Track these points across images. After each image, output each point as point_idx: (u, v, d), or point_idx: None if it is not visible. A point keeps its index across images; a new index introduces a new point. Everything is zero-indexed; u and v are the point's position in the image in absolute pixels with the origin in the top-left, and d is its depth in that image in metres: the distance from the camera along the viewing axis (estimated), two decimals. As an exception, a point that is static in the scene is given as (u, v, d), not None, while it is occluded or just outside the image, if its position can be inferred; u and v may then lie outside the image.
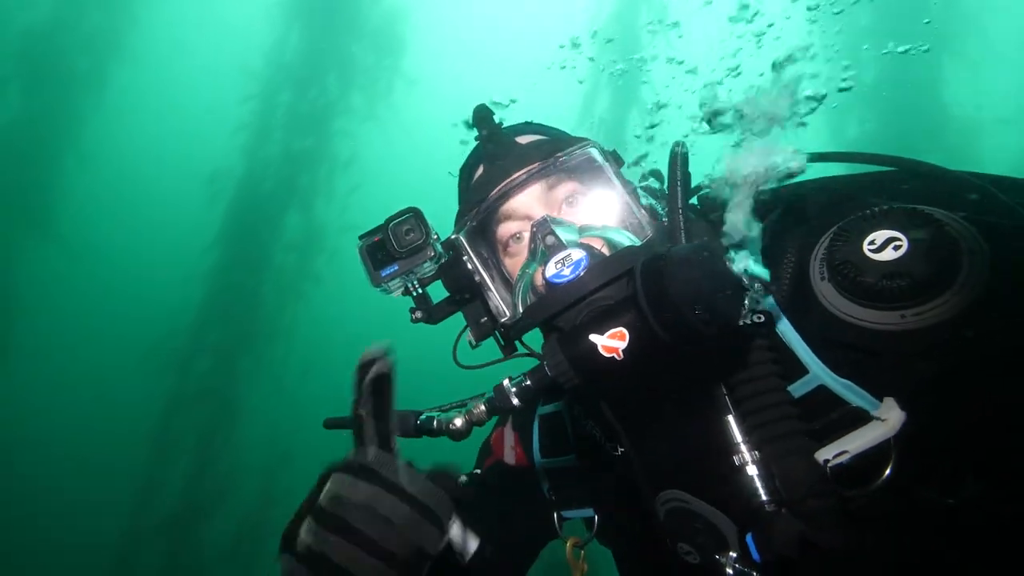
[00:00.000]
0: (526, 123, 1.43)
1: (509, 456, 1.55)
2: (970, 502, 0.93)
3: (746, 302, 1.00)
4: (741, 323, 0.99)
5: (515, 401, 1.08)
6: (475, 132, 1.36)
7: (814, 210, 1.12)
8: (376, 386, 0.89)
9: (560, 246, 1.12)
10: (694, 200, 1.30)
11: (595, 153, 1.25)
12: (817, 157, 1.22)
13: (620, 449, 1.26)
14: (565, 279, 1.08)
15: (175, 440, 14.61)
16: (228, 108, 16.14)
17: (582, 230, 1.21)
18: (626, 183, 1.26)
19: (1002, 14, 15.43)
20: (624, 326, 0.97)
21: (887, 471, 0.94)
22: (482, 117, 1.33)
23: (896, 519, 0.97)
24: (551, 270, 1.10)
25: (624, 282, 1.06)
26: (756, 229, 1.07)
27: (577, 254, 1.09)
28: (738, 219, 0.98)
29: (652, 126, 1.58)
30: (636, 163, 1.36)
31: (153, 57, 20.82)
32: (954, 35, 14.72)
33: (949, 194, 1.06)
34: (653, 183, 1.31)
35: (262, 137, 15.97)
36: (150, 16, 18.69)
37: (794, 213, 1.15)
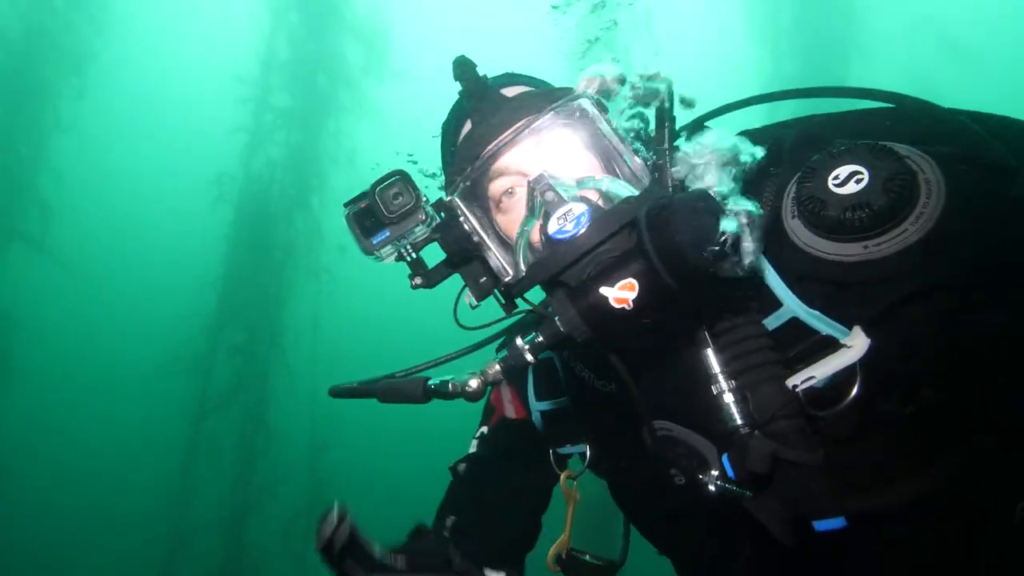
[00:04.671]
0: (508, 75, 1.38)
1: (509, 411, 1.63)
2: (927, 410, 1.00)
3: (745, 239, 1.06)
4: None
5: (529, 357, 1.10)
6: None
7: (788, 152, 1.15)
8: (345, 548, 1.03)
9: (560, 201, 1.10)
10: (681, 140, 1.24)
11: (587, 104, 1.22)
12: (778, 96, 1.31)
13: (609, 387, 1.32)
14: (568, 234, 1.07)
15: (209, 442, 14.30)
16: (222, 112, 16.08)
17: (579, 183, 1.18)
18: (616, 131, 1.23)
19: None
20: (633, 276, 0.99)
21: (853, 392, 1.00)
22: (464, 70, 1.26)
23: (860, 431, 1.04)
24: (553, 226, 1.09)
25: (626, 233, 1.07)
26: (737, 177, 1.12)
27: (578, 208, 1.09)
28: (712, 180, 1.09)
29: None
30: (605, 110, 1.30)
31: (133, 65, 20.13)
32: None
33: (929, 129, 1.10)
34: (637, 123, 1.28)
35: (260, 138, 16.00)
36: (121, 26, 18.22)
37: (771, 156, 1.17)
